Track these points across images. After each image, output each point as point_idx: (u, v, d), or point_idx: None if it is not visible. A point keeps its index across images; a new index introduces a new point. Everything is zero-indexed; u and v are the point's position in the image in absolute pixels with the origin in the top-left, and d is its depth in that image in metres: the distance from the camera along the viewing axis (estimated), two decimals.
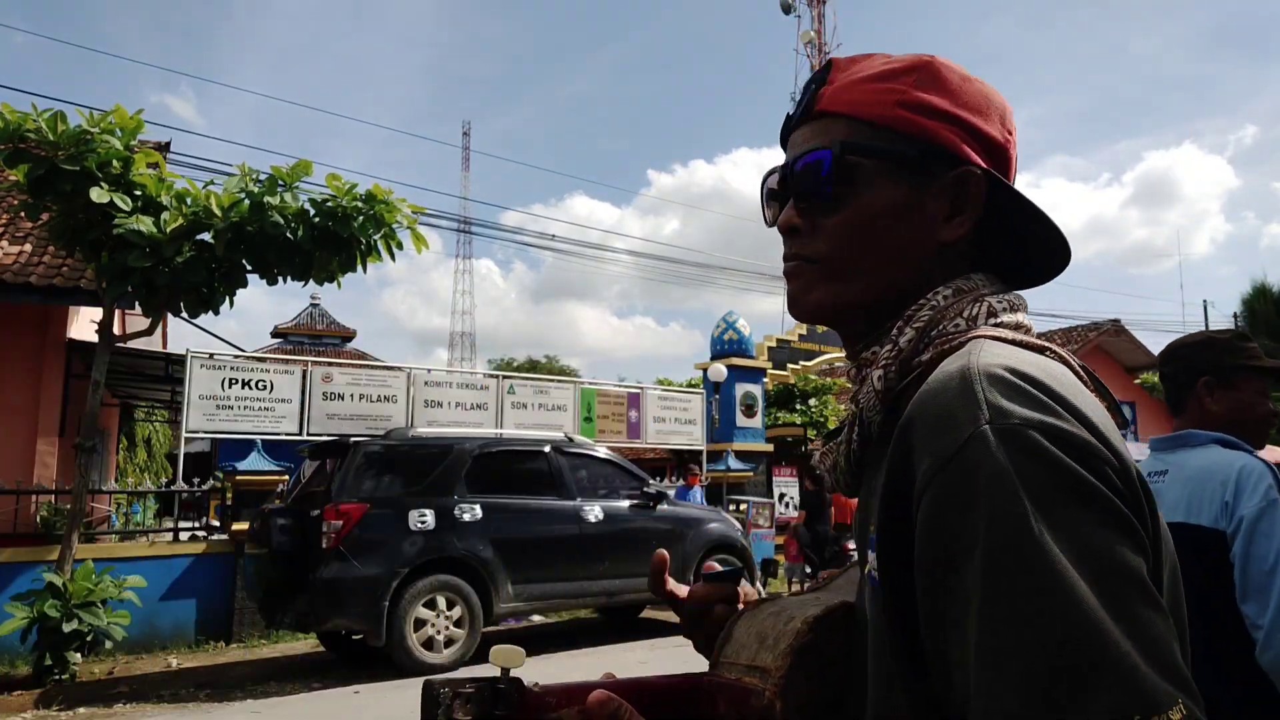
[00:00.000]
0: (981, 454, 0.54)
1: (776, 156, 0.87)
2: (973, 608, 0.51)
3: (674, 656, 7.28)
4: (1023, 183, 0.83)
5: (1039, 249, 0.79)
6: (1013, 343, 0.66)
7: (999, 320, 0.71)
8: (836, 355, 15.88)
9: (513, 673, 0.86)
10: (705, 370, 13.66)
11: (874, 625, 0.66)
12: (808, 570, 11.52)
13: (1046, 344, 0.68)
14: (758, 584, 9.63)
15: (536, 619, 9.14)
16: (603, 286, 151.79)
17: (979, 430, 0.55)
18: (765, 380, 14.41)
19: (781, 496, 13.16)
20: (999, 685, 0.49)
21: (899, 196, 0.74)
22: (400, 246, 7.43)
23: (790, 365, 15.03)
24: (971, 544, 0.53)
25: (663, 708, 0.96)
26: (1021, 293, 0.77)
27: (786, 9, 40.55)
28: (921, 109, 0.74)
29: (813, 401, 18.81)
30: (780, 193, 0.82)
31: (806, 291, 0.78)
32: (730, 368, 13.55)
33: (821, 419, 18.41)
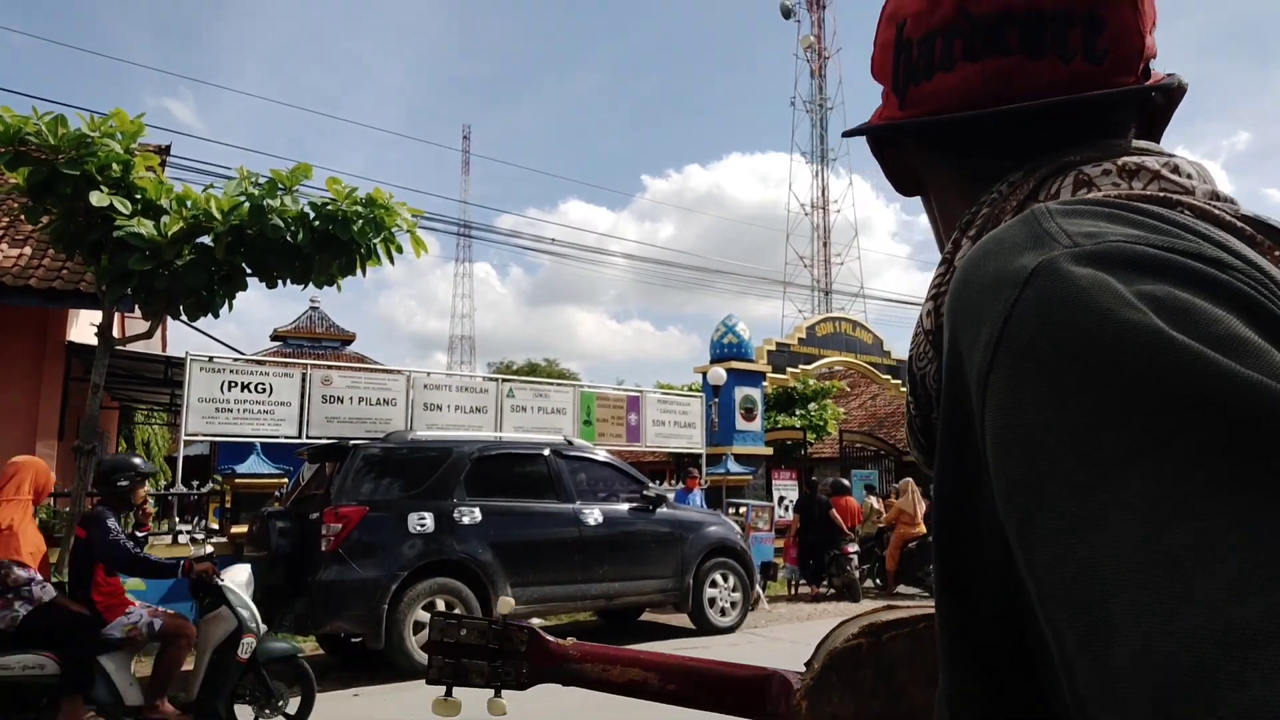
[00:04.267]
0: (1067, 291, 0.36)
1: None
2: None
3: None
4: None
5: None
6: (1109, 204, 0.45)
7: (1097, 194, 0.50)
8: (836, 358, 15.89)
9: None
10: (705, 374, 13.67)
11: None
12: (800, 576, 11.61)
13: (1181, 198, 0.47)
14: (757, 587, 9.63)
15: (536, 621, 9.08)
16: (600, 290, 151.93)
17: (1048, 258, 0.38)
18: (765, 384, 14.42)
19: (781, 499, 13.16)
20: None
21: None
22: (400, 250, 7.43)
23: (790, 369, 15.04)
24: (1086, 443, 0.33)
25: (718, 690, 0.98)
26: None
27: (786, 13, 40.68)
28: None
29: (812, 405, 18.85)
30: None
31: None
32: (730, 371, 13.55)
33: (821, 422, 18.46)
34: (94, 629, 4.40)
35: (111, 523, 4.58)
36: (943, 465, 0.44)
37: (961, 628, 0.45)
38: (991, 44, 0.54)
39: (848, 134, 0.67)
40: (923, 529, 11.82)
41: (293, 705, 4.91)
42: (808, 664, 0.78)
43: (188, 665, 4.79)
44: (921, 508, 11.95)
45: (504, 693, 1.15)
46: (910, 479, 12.89)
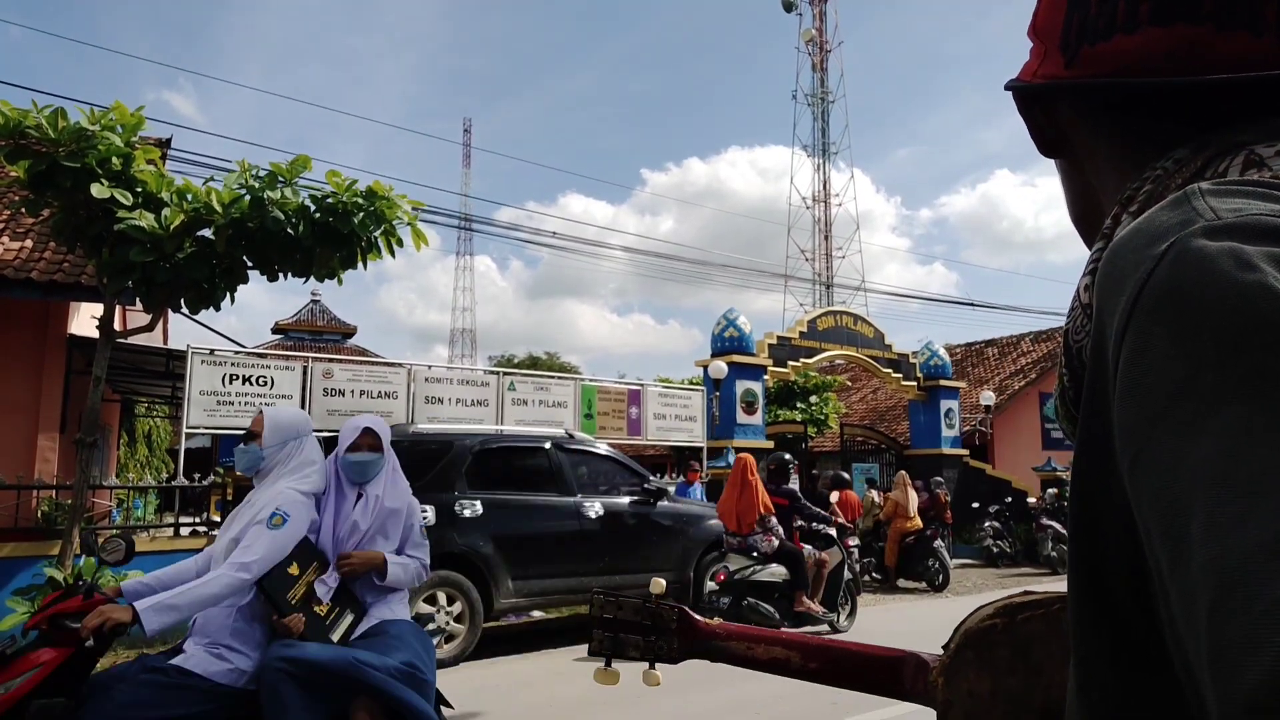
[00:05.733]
0: (1196, 256, 0.39)
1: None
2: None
3: None
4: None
5: None
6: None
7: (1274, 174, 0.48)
8: (837, 352, 15.88)
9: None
10: (706, 367, 13.66)
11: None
12: None
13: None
14: None
15: (537, 614, 9.15)
16: (600, 284, 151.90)
17: (1187, 232, 0.41)
18: (765, 377, 14.41)
19: None
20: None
21: None
22: (400, 243, 7.42)
23: (791, 362, 15.02)
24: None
25: (857, 669, 1.03)
26: None
27: (788, 7, 40.58)
28: None
29: (813, 399, 18.84)
30: None
31: None
32: (731, 365, 13.54)
33: (821, 416, 18.44)
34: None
35: None
36: (1084, 429, 0.46)
37: (1092, 589, 0.46)
38: (1183, 9, 0.52)
39: (1009, 86, 0.64)
40: (918, 523, 11.83)
41: None
42: (945, 646, 0.80)
43: None
44: (915, 500, 11.96)
45: (657, 666, 1.27)
46: (904, 472, 12.89)
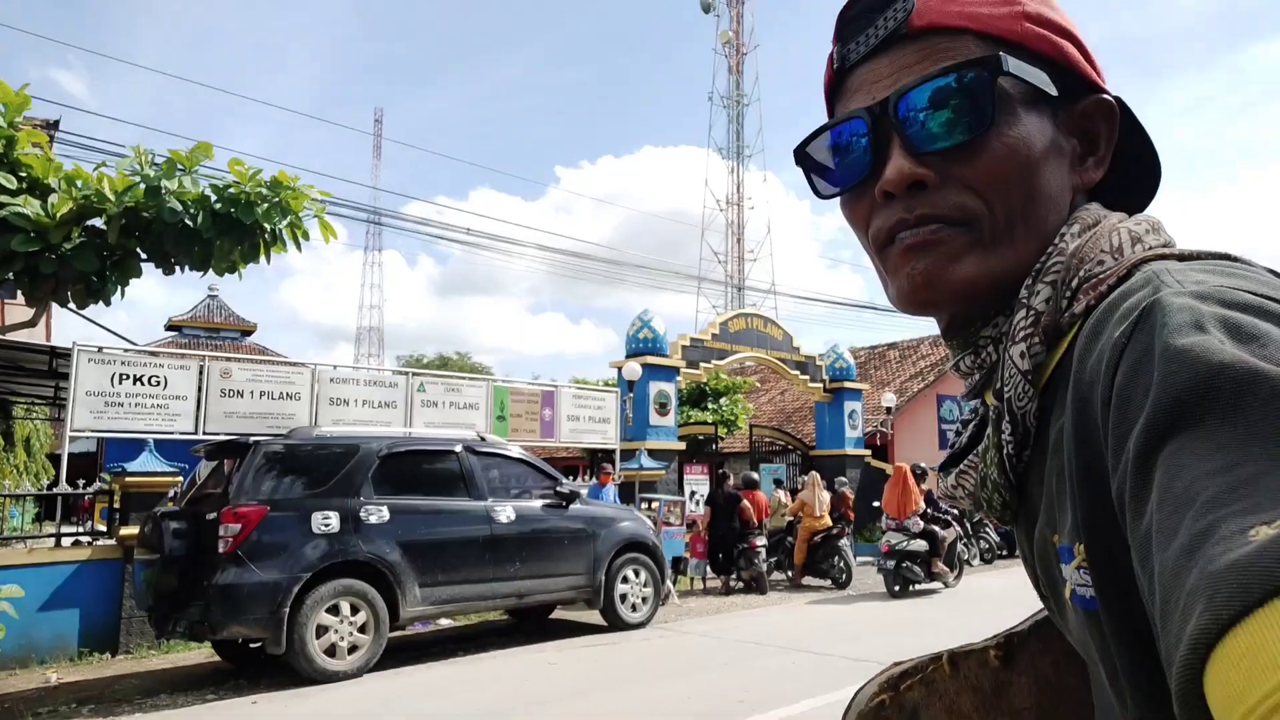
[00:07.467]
0: (1169, 303, 0.45)
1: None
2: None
3: (583, 657, 7.27)
4: None
5: (1133, 176, 0.68)
6: (1189, 257, 0.53)
7: (1149, 246, 0.57)
8: (748, 354, 16.15)
9: None
10: (620, 368, 13.69)
11: (1101, 652, 0.51)
12: (708, 569, 11.81)
13: (1229, 254, 0.53)
14: (668, 581, 9.72)
15: (445, 622, 8.99)
16: (513, 282, 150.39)
17: (1164, 293, 0.46)
18: (678, 379, 14.54)
19: (692, 494, 13.30)
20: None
21: (1047, 131, 0.61)
22: (306, 236, 7.18)
23: (703, 364, 15.20)
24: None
25: None
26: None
27: (706, 8, 41.08)
28: (1045, 23, 0.62)
29: (723, 400, 19.12)
30: (852, 148, 0.63)
31: (952, 264, 0.59)
32: (645, 366, 13.61)
33: (731, 417, 18.74)
34: None
35: None
36: (1079, 460, 0.50)
37: (1119, 609, 0.49)
38: None
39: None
40: (827, 522, 12.13)
41: None
42: None
43: None
44: (824, 500, 12.27)
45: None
46: (815, 473, 13.21)
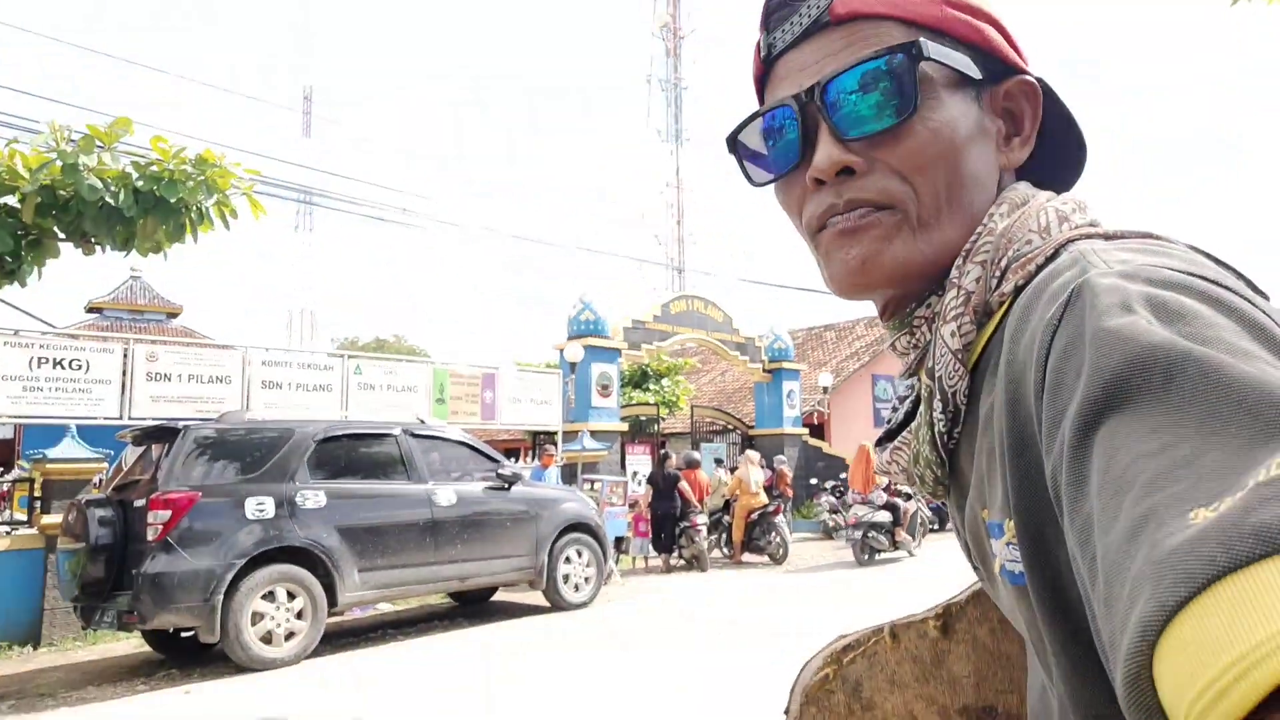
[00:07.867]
0: (1096, 284, 0.45)
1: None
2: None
3: (523, 638, 7.29)
4: None
5: (1059, 156, 0.70)
6: (1115, 236, 0.54)
7: (1075, 225, 0.59)
8: (689, 336, 16.25)
9: None
10: (562, 350, 13.65)
11: (1028, 624, 0.53)
12: (650, 548, 11.93)
13: (1152, 233, 0.54)
14: (610, 561, 9.77)
15: (385, 607, 8.90)
16: (454, 264, 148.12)
17: (1091, 274, 0.47)
18: (620, 360, 14.56)
19: (634, 474, 13.38)
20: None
21: (972, 113, 0.62)
22: (235, 215, 6.95)
23: (645, 346, 15.25)
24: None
25: None
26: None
27: None
28: (967, 8, 0.63)
29: (665, 381, 19.23)
30: (782, 136, 0.64)
31: (883, 248, 0.61)
32: (587, 348, 13.60)
33: (673, 398, 18.86)
34: None
35: None
36: (1012, 435, 0.50)
37: (1046, 584, 0.49)
38: None
39: None
40: (763, 499, 12.34)
41: None
42: (786, 710, 0.84)
43: None
44: (760, 478, 12.47)
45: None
46: (751, 451, 13.41)
